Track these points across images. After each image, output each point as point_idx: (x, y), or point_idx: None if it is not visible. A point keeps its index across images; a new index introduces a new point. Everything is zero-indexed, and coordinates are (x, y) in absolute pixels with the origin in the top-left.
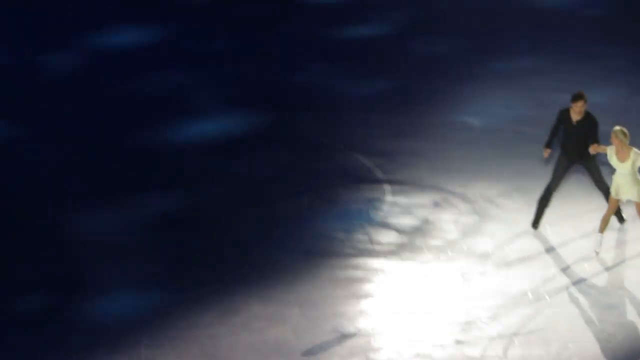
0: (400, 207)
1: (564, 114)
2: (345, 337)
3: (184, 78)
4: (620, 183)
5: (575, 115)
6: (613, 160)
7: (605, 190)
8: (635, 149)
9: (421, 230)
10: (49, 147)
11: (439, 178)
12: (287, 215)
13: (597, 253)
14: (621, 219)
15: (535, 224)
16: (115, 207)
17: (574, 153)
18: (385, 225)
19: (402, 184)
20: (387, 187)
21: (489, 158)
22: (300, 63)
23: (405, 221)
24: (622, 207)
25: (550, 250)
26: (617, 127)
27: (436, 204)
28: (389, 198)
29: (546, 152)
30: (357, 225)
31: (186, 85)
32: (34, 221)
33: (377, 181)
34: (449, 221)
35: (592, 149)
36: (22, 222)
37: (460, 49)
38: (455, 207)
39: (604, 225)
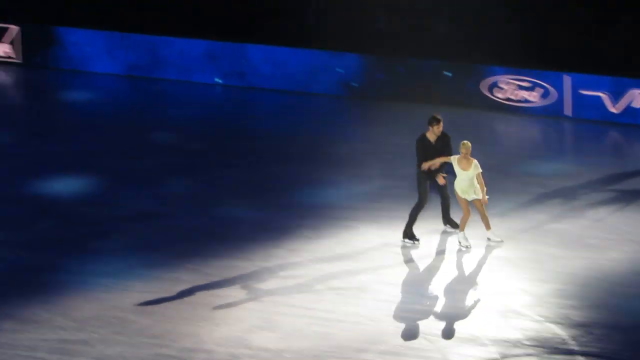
0: None
1: (424, 139)
2: None
3: None
4: (463, 186)
5: (434, 136)
6: (457, 168)
7: (446, 207)
8: (475, 161)
9: None
10: None
11: None
12: None
13: (468, 247)
14: (455, 225)
15: (408, 233)
16: None
17: (434, 170)
18: None
19: None
20: None
21: None
22: None
23: None
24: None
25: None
26: (466, 141)
27: None
28: None
29: (441, 178)
30: None
31: None
32: None
33: None
34: None
35: (441, 160)
36: None
37: None
38: None
39: (463, 225)
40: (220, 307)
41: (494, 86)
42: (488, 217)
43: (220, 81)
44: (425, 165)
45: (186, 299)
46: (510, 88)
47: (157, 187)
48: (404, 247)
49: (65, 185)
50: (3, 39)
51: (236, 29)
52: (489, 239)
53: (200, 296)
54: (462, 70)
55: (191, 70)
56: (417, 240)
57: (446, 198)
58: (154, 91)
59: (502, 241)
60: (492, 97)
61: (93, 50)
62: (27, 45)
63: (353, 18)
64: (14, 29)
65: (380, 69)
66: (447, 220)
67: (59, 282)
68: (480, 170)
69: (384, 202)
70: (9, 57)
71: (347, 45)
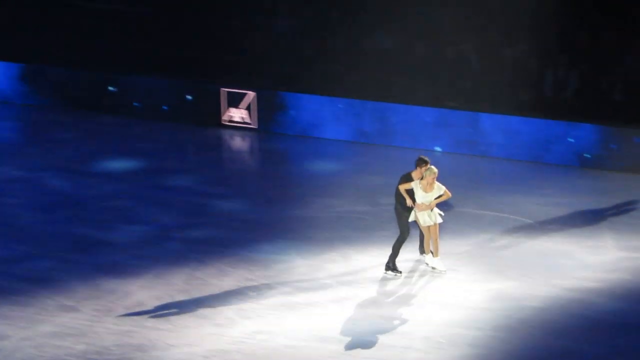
0: None
1: (409, 178)
2: None
3: None
4: (425, 210)
5: (419, 175)
6: (419, 191)
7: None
8: (438, 183)
9: None
10: None
11: None
12: None
13: (444, 271)
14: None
15: (390, 266)
16: None
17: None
18: None
19: None
20: None
21: None
22: None
23: None
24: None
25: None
26: (433, 167)
27: None
28: None
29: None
30: None
31: None
32: None
33: None
34: None
35: (403, 187)
36: None
37: None
38: None
39: (436, 250)
40: None
41: None
42: (439, 244)
43: (439, 149)
44: (410, 202)
45: None
46: None
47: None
48: (384, 278)
49: (295, 250)
50: (240, 105)
51: (468, 98)
52: (433, 267)
53: None
54: None
55: (418, 137)
56: (400, 272)
57: (403, 237)
58: (382, 157)
59: (445, 271)
60: None
61: (323, 116)
62: (261, 110)
63: (590, 88)
64: (250, 94)
65: (614, 139)
66: (424, 249)
67: None
68: (444, 188)
69: (619, 272)
70: (245, 123)
71: (583, 115)
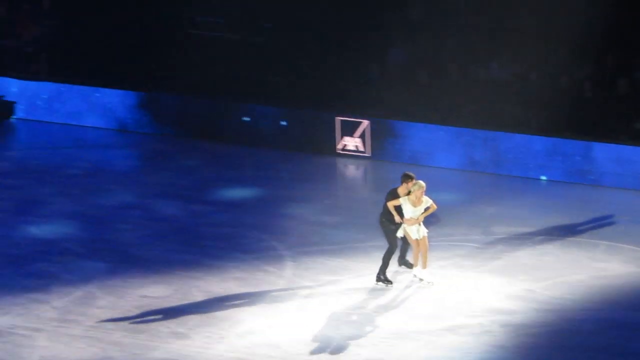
0: None
1: (395, 194)
2: None
3: None
4: (414, 224)
5: (405, 190)
6: (408, 206)
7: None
8: (425, 196)
9: None
10: None
11: None
12: None
13: (432, 283)
14: (410, 266)
15: (381, 277)
16: None
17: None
18: None
19: None
20: None
21: None
22: None
23: None
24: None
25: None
26: (420, 181)
27: None
28: None
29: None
30: None
31: None
32: None
33: None
34: None
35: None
36: None
37: None
38: None
39: (424, 261)
40: None
41: None
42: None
43: (544, 178)
44: (399, 219)
45: None
46: None
47: None
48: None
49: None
50: (354, 134)
51: (581, 128)
52: (421, 279)
53: None
54: None
55: (527, 166)
56: (391, 283)
57: (407, 243)
58: (491, 186)
59: (432, 284)
60: None
61: (434, 145)
62: (374, 139)
63: None
64: (364, 123)
65: None
66: (403, 262)
67: None
68: (431, 201)
69: None
70: (359, 151)
71: None
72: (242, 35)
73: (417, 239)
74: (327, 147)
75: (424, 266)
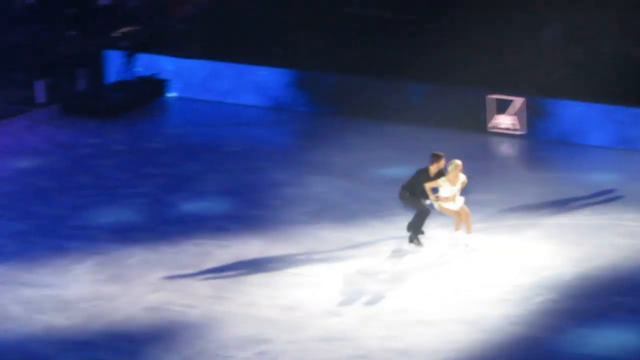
0: None
1: (426, 173)
2: None
3: None
4: (450, 201)
5: (435, 169)
6: (447, 185)
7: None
8: (460, 173)
9: None
10: None
11: None
12: None
13: (476, 247)
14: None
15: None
16: None
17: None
18: None
19: None
20: None
21: None
22: None
23: None
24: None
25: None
26: (457, 160)
27: None
28: None
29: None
30: None
31: None
32: None
33: None
34: None
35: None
36: None
37: None
38: None
39: (468, 226)
40: None
41: None
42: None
43: None
44: (434, 198)
45: None
46: None
47: None
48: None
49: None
50: (507, 111)
51: None
52: (466, 244)
53: None
54: None
55: None
56: (422, 244)
57: (426, 212)
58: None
59: (477, 248)
60: None
61: (586, 123)
62: (530, 117)
63: None
64: (519, 100)
65: None
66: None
67: None
68: (464, 176)
69: None
70: (514, 129)
71: None
72: (395, 13)
73: (456, 210)
74: (477, 125)
75: (469, 231)
